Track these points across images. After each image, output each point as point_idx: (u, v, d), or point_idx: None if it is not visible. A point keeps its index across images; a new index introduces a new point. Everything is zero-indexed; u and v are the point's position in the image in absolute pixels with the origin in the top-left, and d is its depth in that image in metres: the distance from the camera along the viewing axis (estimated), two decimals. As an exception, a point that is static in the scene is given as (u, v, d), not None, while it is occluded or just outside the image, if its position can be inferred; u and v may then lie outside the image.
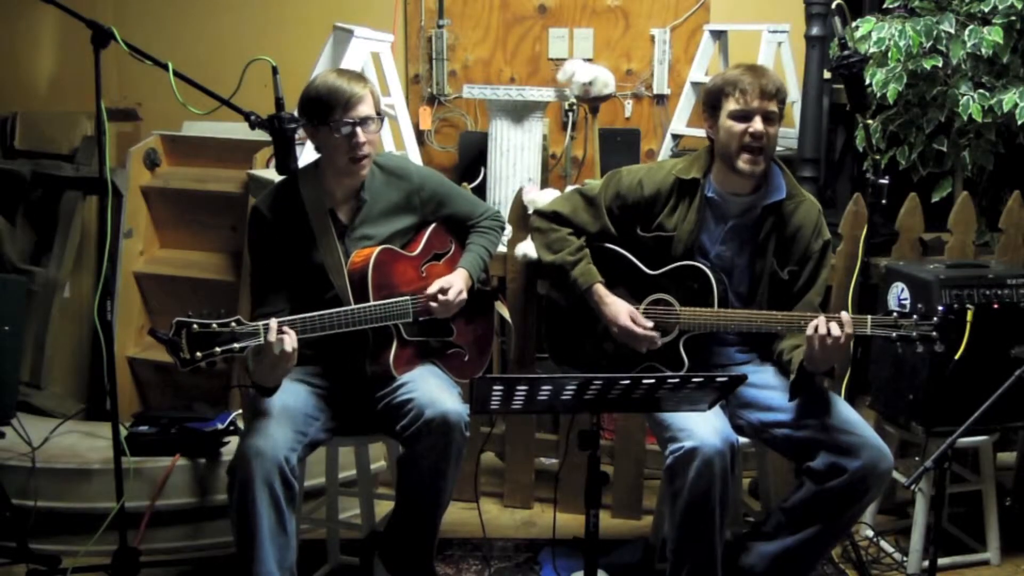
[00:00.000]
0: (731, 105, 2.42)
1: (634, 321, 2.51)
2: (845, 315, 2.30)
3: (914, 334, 2.29)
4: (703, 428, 2.27)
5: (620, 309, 2.52)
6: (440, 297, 2.47)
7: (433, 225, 2.61)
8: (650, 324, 2.50)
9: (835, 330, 2.26)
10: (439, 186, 2.61)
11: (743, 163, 2.43)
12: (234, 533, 2.25)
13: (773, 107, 2.41)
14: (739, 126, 2.42)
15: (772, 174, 2.51)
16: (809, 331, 2.29)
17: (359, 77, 2.43)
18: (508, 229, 3.28)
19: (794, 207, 2.51)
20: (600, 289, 2.55)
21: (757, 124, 2.40)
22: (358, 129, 2.36)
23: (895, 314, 2.33)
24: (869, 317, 2.34)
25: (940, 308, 2.35)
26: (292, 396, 2.37)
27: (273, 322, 2.17)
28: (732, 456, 2.29)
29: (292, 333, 2.19)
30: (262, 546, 2.19)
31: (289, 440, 2.25)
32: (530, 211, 3.12)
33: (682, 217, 2.52)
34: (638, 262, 2.57)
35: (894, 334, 2.31)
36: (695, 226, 2.51)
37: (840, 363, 2.54)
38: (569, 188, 2.72)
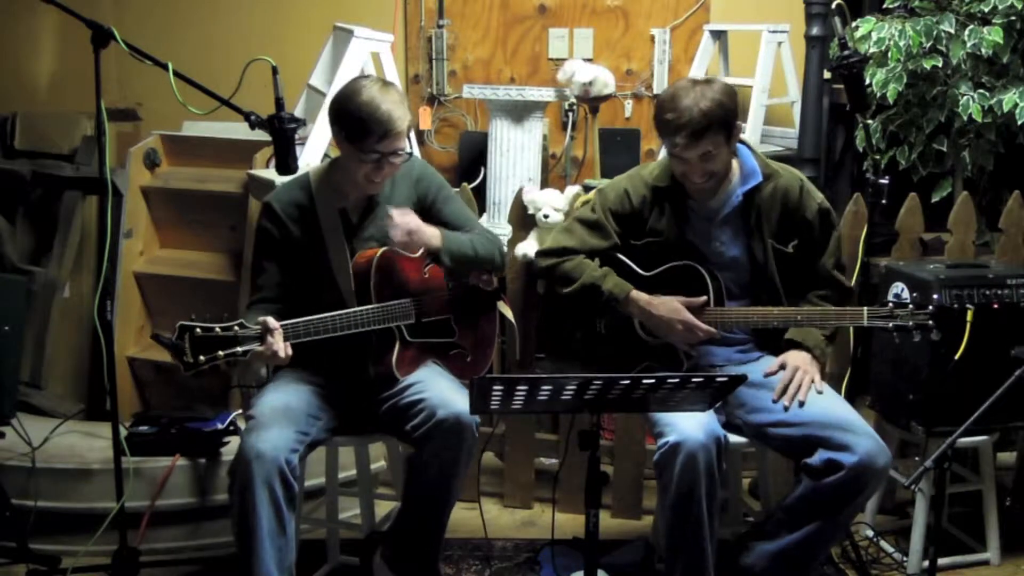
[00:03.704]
0: (666, 144, 2.39)
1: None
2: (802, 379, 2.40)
3: (911, 324, 2.31)
4: (687, 423, 2.27)
5: (675, 305, 2.45)
6: (397, 218, 2.37)
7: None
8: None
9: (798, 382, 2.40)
10: (442, 183, 2.61)
11: (691, 190, 2.46)
12: (234, 533, 2.25)
13: (707, 146, 2.32)
14: (678, 167, 2.42)
15: (742, 160, 2.50)
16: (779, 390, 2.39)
17: (401, 101, 2.36)
18: (508, 229, 3.28)
19: (772, 185, 2.50)
20: (639, 294, 2.49)
21: (695, 177, 2.40)
22: (384, 162, 2.36)
23: (891, 304, 2.35)
24: (865, 309, 2.36)
25: (935, 296, 2.36)
26: (295, 396, 2.37)
27: (276, 328, 2.17)
28: (719, 451, 2.29)
29: (287, 344, 2.20)
30: (262, 546, 2.19)
31: (290, 441, 2.25)
32: (533, 211, 3.12)
33: (669, 221, 2.51)
34: (633, 264, 2.57)
35: (891, 324, 2.33)
36: (681, 229, 2.51)
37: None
38: (557, 228, 2.67)
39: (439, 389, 2.36)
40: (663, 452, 2.28)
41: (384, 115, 2.30)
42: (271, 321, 2.18)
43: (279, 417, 2.29)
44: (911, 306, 2.32)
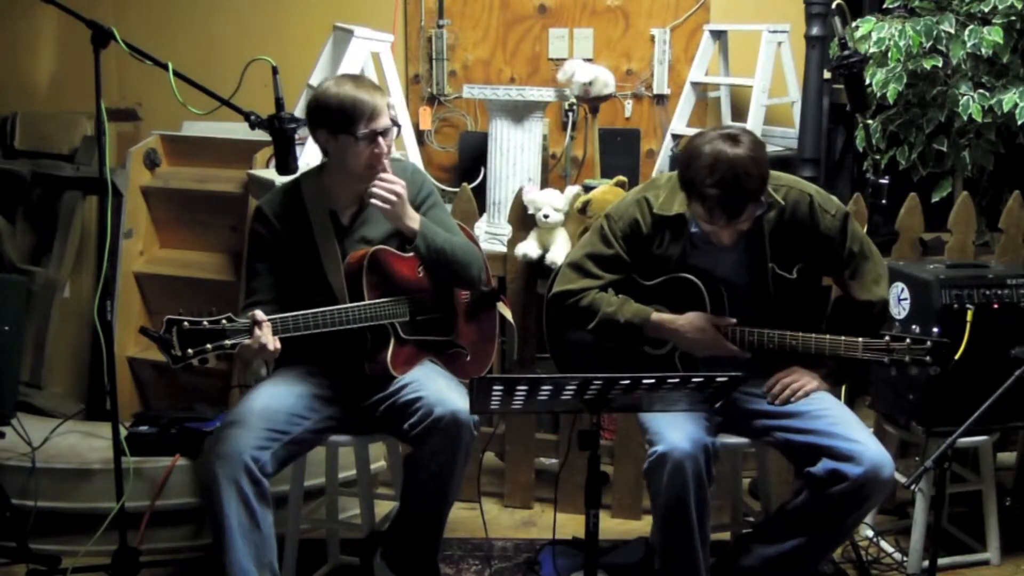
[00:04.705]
0: (704, 212, 2.29)
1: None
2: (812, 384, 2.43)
3: (907, 358, 2.30)
4: (674, 433, 2.26)
5: (701, 323, 2.41)
6: (386, 178, 2.36)
7: None
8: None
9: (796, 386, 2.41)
10: (431, 193, 2.59)
11: (716, 241, 2.40)
12: (210, 532, 2.27)
13: (747, 214, 2.28)
14: (710, 228, 2.35)
15: None
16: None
17: (375, 85, 2.42)
18: (508, 229, 3.28)
19: (777, 212, 2.43)
20: (660, 316, 2.45)
21: (726, 240, 2.35)
22: (380, 139, 2.37)
23: (887, 337, 2.33)
24: (860, 340, 2.35)
25: (935, 330, 2.35)
26: (279, 395, 2.38)
27: (264, 320, 2.18)
28: (707, 459, 2.28)
29: (275, 338, 2.22)
30: (234, 544, 2.22)
31: (256, 440, 2.26)
32: (533, 211, 3.12)
33: (674, 248, 2.48)
34: (634, 274, 2.55)
35: (886, 359, 2.32)
36: (685, 254, 2.47)
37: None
38: (566, 264, 2.60)
39: (436, 387, 2.37)
40: (651, 462, 2.28)
41: (365, 95, 2.34)
42: (259, 314, 2.20)
43: (249, 417, 2.30)
44: (908, 340, 2.30)
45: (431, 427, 2.30)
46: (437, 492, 2.39)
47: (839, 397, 2.66)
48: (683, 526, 2.28)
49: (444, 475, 2.35)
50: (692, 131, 4.21)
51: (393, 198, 2.36)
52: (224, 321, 2.15)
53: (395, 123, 2.42)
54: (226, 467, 2.21)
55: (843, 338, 2.38)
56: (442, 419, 2.29)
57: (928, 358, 2.30)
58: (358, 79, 2.43)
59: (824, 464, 2.30)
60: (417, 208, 2.53)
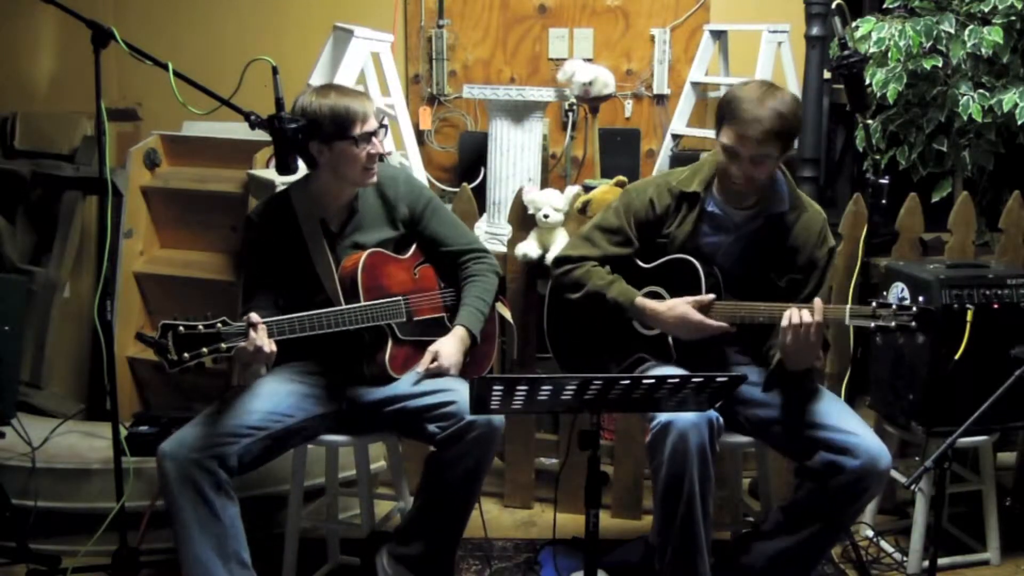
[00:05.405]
0: (727, 135, 2.34)
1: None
2: (818, 301, 2.30)
3: (892, 324, 2.29)
4: None
5: (683, 310, 2.42)
6: (431, 366, 2.45)
7: None
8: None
9: (806, 316, 2.26)
10: (429, 200, 2.61)
11: (732, 188, 2.44)
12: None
13: (767, 150, 2.31)
14: (727, 162, 2.37)
15: (776, 184, 2.49)
16: (784, 322, 2.29)
17: (357, 90, 2.48)
18: (508, 229, 3.28)
19: (795, 218, 2.49)
20: (644, 301, 2.48)
21: (743, 168, 2.35)
22: (374, 139, 2.41)
23: (874, 304, 2.33)
24: (847, 307, 2.35)
25: (920, 298, 2.33)
26: (259, 396, 2.39)
27: (259, 323, 2.20)
28: (711, 432, 2.27)
29: (270, 340, 2.23)
30: (190, 536, 2.23)
31: (212, 437, 2.26)
32: (533, 211, 3.13)
33: (684, 228, 2.50)
34: (635, 258, 2.57)
35: (872, 324, 2.31)
36: (694, 236, 2.50)
37: (812, 359, 2.42)
38: (575, 235, 2.67)
39: (464, 392, 2.37)
40: (654, 433, 2.27)
41: (355, 102, 2.38)
42: (254, 316, 2.22)
43: (210, 415, 2.31)
44: (894, 307, 2.30)
45: (464, 431, 2.31)
46: (463, 494, 2.41)
47: (839, 395, 2.67)
48: (684, 501, 2.26)
49: (473, 477, 2.38)
50: (692, 131, 4.24)
51: (454, 370, 2.47)
52: (219, 325, 2.16)
53: (382, 124, 2.46)
54: (173, 466, 2.22)
55: (829, 306, 2.36)
56: (476, 423, 2.31)
57: (913, 323, 2.28)
58: (339, 87, 2.48)
59: (821, 456, 2.31)
60: (419, 217, 2.57)
